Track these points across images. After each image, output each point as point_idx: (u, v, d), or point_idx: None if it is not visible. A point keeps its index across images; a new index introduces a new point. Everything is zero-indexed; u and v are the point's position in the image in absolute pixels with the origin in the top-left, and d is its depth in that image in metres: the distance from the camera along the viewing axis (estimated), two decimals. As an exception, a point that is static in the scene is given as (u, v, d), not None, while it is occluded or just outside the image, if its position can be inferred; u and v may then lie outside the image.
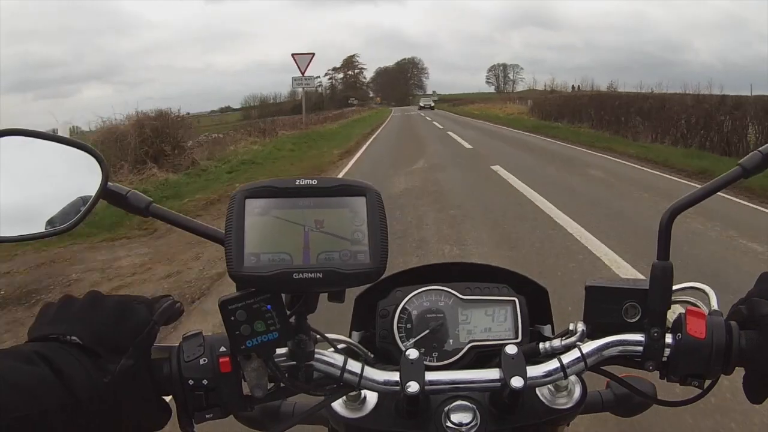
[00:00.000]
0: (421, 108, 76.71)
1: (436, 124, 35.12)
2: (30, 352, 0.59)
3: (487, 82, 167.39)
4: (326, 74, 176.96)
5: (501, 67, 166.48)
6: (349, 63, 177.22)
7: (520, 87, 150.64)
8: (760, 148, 0.71)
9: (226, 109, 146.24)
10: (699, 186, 0.72)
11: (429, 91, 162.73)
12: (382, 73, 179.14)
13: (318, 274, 0.60)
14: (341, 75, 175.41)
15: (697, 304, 0.75)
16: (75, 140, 0.75)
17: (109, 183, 0.73)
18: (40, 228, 0.72)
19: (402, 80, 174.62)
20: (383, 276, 0.64)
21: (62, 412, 0.58)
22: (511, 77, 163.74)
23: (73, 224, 0.72)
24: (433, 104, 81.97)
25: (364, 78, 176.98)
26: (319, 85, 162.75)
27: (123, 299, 0.68)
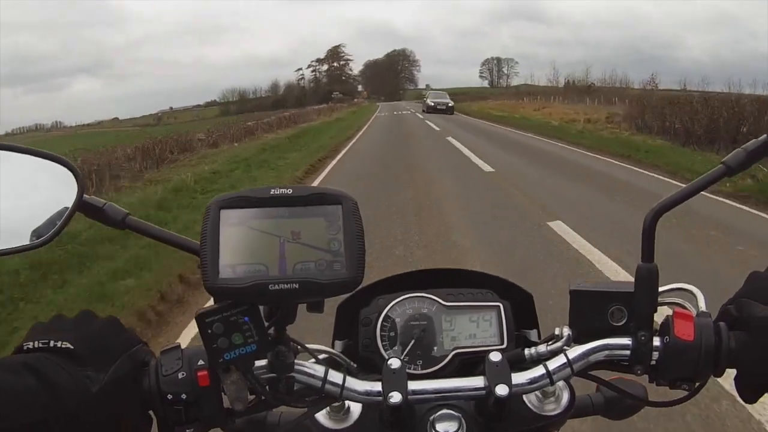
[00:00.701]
0: (429, 110, 41.77)
1: (457, 144, 16.79)
2: (16, 363, 0.59)
3: (481, 76, 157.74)
4: (309, 66, 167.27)
5: (495, 61, 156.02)
6: (335, 54, 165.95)
7: (515, 81, 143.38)
8: (744, 146, 0.70)
9: (212, 104, 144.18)
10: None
11: (422, 86, 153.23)
12: (371, 66, 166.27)
13: (294, 284, 0.59)
14: (326, 67, 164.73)
15: (685, 305, 0.74)
16: (50, 153, 0.74)
17: (84, 195, 0.72)
18: (12, 242, 0.71)
19: (392, 73, 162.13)
20: (365, 284, 0.63)
21: (49, 423, 0.57)
22: (506, 71, 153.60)
23: (49, 238, 0.71)
24: (451, 104, 43.62)
25: (351, 70, 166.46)
26: (301, 78, 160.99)
27: (115, 319, 0.68)
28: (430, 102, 43.17)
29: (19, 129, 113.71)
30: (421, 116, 37.28)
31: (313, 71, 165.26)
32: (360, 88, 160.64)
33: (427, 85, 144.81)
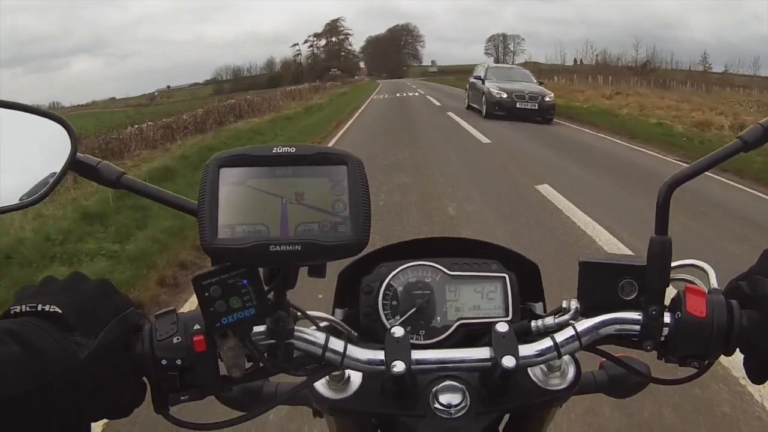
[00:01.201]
0: (494, 109, 16.21)
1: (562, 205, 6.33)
2: None
3: (486, 53, 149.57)
4: (306, 41, 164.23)
5: (501, 38, 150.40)
6: (333, 28, 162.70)
7: (521, 59, 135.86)
8: (760, 121, 0.68)
9: (211, 81, 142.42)
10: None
11: (427, 62, 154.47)
12: (373, 42, 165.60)
13: (296, 246, 0.56)
14: (323, 42, 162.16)
15: (695, 282, 0.72)
16: (43, 109, 0.71)
17: (78, 154, 0.69)
18: (10, 201, 0.68)
19: (395, 49, 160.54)
20: (367, 250, 0.61)
21: (36, 392, 0.55)
22: (512, 48, 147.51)
23: (42, 196, 0.68)
24: (551, 98, 16.13)
25: (350, 45, 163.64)
26: (298, 54, 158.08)
27: (107, 282, 0.65)
28: (495, 91, 16.54)
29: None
30: (435, 103, 23.98)
31: (310, 47, 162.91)
32: (362, 65, 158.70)
33: (433, 62, 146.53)
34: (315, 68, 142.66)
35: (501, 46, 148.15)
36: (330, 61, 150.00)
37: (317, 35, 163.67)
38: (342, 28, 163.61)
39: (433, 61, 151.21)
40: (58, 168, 0.68)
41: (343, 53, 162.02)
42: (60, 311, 0.59)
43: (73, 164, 0.69)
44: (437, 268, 0.80)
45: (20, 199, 0.69)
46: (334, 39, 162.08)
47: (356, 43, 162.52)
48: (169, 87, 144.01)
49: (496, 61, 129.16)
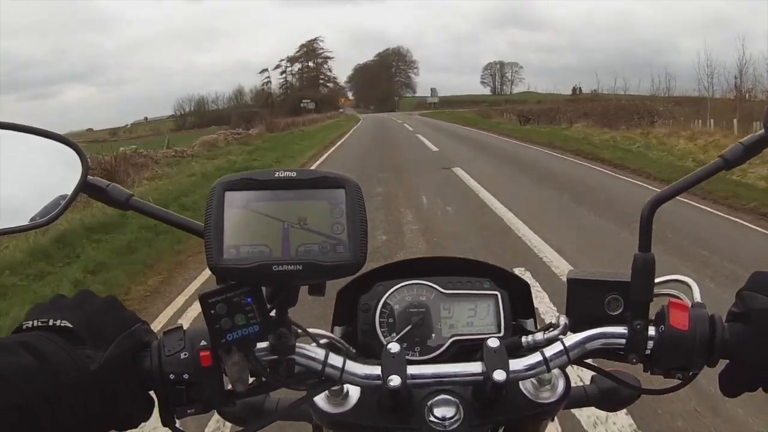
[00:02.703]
0: None
1: None
2: (12, 343, 0.59)
3: (482, 83, 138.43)
4: (278, 66, 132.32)
5: (498, 66, 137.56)
6: (310, 51, 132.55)
7: (519, 88, 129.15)
8: (742, 140, 0.71)
9: (173, 116, 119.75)
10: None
11: (422, 92, 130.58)
12: (360, 71, 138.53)
13: (297, 266, 0.59)
14: (298, 67, 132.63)
15: (680, 296, 0.75)
16: (54, 133, 0.74)
17: (89, 176, 0.72)
18: (16, 221, 0.71)
19: (384, 77, 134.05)
20: (365, 270, 0.64)
21: (47, 401, 0.57)
22: (509, 77, 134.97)
23: (53, 218, 0.71)
24: None
25: (329, 70, 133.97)
26: (267, 82, 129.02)
27: (114, 299, 0.68)
28: None
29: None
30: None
31: (282, 72, 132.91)
32: (350, 95, 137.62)
33: (433, 90, 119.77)
34: (287, 99, 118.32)
35: (498, 74, 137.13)
36: (304, 91, 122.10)
37: (291, 59, 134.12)
38: (321, 51, 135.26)
39: (433, 90, 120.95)
40: (68, 190, 0.71)
41: (321, 80, 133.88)
42: (71, 326, 0.62)
43: (84, 186, 0.72)
44: (432, 286, 0.83)
45: (31, 220, 0.71)
46: (310, 63, 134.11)
47: (341, 71, 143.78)
48: (146, 118, 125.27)
49: (493, 91, 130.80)
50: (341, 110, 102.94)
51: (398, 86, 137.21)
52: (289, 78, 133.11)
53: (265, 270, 0.59)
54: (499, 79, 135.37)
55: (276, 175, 0.63)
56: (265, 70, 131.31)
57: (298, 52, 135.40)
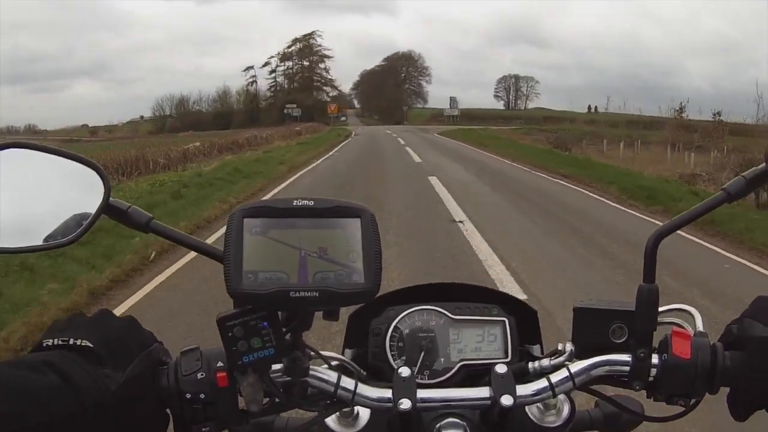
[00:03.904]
0: None
1: None
2: (36, 361, 0.61)
3: (496, 96, 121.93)
4: (266, 64, 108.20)
5: (512, 79, 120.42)
6: (306, 48, 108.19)
7: (534, 104, 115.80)
8: (743, 174, 0.73)
9: (153, 117, 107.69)
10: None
11: (435, 103, 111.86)
12: (366, 77, 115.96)
13: (314, 293, 0.61)
14: (287, 65, 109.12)
15: (683, 325, 0.77)
16: (78, 155, 0.76)
17: (110, 198, 0.74)
18: (39, 241, 0.73)
19: (392, 83, 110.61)
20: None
21: (70, 420, 0.59)
22: (524, 91, 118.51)
23: (75, 238, 0.73)
24: None
25: (326, 70, 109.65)
26: (252, 82, 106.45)
27: (133, 319, 0.70)
28: None
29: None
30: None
31: (272, 72, 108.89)
32: (355, 102, 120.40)
33: (453, 99, 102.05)
34: (276, 103, 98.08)
35: (513, 88, 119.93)
36: (293, 94, 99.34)
37: (283, 56, 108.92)
38: (318, 47, 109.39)
39: (452, 100, 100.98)
40: (90, 210, 0.73)
41: (317, 82, 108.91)
42: (91, 345, 0.64)
43: (106, 208, 0.74)
44: (441, 312, 0.85)
45: (51, 240, 0.73)
46: (304, 63, 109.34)
47: (347, 80, 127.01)
48: (142, 117, 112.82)
49: (506, 105, 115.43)
50: (342, 118, 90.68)
51: (407, 95, 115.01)
52: (279, 79, 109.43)
53: (282, 296, 0.61)
54: (514, 93, 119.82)
55: (294, 204, 0.65)
56: (251, 67, 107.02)
57: (290, 47, 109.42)
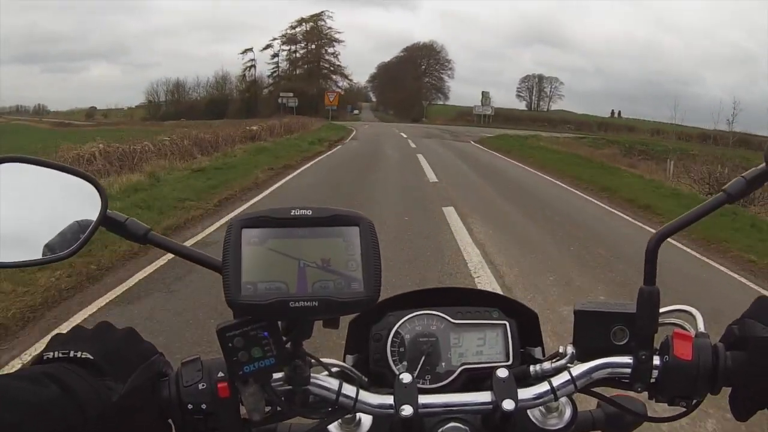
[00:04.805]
0: None
1: None
2: (37, 374, 0.61)
3: (518, 96, 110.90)
4: (267, 47, 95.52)
5: (536, 79, 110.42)
6: (314, 30, 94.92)
7: (557, 105, 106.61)
8: (743, 174, 0.73)
9: (146, 104, 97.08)
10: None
11: (455, 100, 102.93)
12: (383, 70, 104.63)
13: (313, 302, 0.62)
14: (291, 48, 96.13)
15: (684, 326, 0.77)
16: (75, 168, 0.76)
17: (108, 211, 0.74)
18: (38, 254, 0.73)
19: (410, 76, 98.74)
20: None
21: (71, 431, 0.59)
22: (548, 92, 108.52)
23: (74, 251, 0.73)
24: None
25: (335, 55, 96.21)
26: (250, 67, 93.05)
27: (133, 331, 0.71)
28: None
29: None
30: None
31: (274, 56, 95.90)
32: (372, 96, 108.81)
33: (485, 94, 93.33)
34: (276, 91, 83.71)
35: (536, 88, 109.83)
36: (296, 82, 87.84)
37: (287, 38, 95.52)
38: (328, 29, 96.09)
39: (485, 95, 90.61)
40: (87, 223, 0.73)
41: (325, 69, 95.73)
42: (91, 357, 0.64)
43: (104, 220, 0.74)
44: (442, 316, 0.85)
45: (53, 252, 0.73)
46: (311, 46, 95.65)
47: (361, 72, 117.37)
48: (151, 102, 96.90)
49: (528, 106, 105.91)
50: (355, 111, 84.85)
51: (427, 89, 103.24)
52: (283, 64, 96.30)
53: (282, 306, 0.61)
54: (537, 93, 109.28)
55: (292, 213, 0.65)
56: (249, 50, 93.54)
57: (296, 28, 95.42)
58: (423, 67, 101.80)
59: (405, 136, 35.05)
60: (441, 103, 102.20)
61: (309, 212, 0.65)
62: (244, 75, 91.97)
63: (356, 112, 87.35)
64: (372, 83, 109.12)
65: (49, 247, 0.73)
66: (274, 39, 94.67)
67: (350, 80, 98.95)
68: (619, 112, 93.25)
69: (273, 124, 29.86)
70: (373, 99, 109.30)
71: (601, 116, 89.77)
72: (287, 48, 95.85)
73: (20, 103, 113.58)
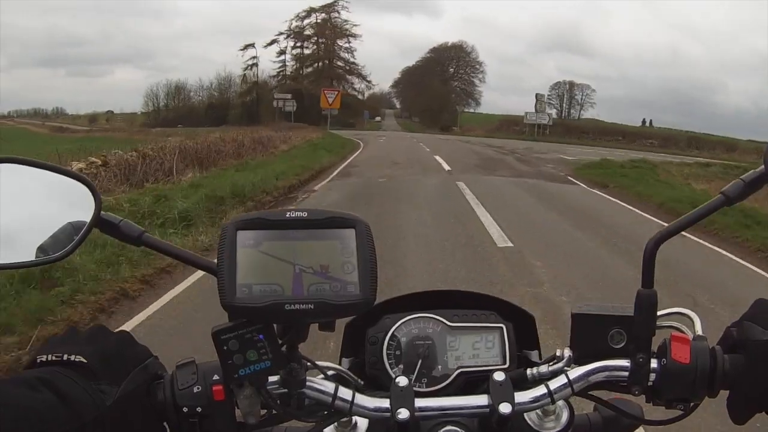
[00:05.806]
0: None
1: None
2: (31, 378, 0.61)
3: (549, 103, 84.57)
4: (273, 42, 78.81)
5: (567, 86, 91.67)
6: (327, 22, 78.99)
7: (589, 114, 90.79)
8: (742, 176, 0.73)
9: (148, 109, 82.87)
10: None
11: (486, 107, 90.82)
12: (408, 75, 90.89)
13: (309, 305, 0.61)
14: (295, 43, 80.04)
15: (682, 329, 0.76)
16: (69, 170, 0.77)
17: (102, 212, 0.74)
18: (31, 256, 0.73)
19: (438, 81, 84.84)
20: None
21: None
22: (579, 99, 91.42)
23: (67, 253, 0.73)
24: None
25: (351, 51, 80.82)
26: (252, 65, 77.19)
27: (127, 334, 0.70)
28: None
29: (16, 111, 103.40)
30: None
31: (280, 53, 79.62)
32: (396, 103, 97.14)
33: (539, 97, 73.65)
34: (280, 92, 64.83)
35: (566, 96, 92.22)
36: (303, 83, 75.04)
37: (295, 32, 79.51)
38: (343, 24, 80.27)
39: (539, 99, 72.57)
40: (80, 226, 0.73)
41: (338, 68, 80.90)
42: (85, 361, 0.64)
43: (98, 222, 0.73)
44: (438, 319, 0.84)
45: (46, 254, 0.73)
46: (322, 40, 79.76)
47: (384, 79, 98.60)
48: (157, 106, 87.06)
49: (559, 114, 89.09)
50: (377, 119, 74.87)
51: (457, 94, 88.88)
52: (291, 63, 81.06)
53: (277, 309, 0.61)
54: (567, 101, 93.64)
55: (287, 215, 0.64)
56: (250, 45, 77.07)
57: (304, 19, 79.47)
58: (452, 69, 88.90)
59: (441, 162, 20.58)
60: (471, 110, 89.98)
61: (304, 214, 0.65)
62: (245, 75, 78.20)
63: (377, 119, 78.49)
64: (396, 89, 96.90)
65: (42, 249, 0.73)
66: (280, 33, 79.35)
67: (368, 81, 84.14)
68: (651, 121, 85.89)
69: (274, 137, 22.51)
70: (398, 105, 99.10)
71: (632, 125, 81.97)
72: (294, 43, 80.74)
73: (38, 105, 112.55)
